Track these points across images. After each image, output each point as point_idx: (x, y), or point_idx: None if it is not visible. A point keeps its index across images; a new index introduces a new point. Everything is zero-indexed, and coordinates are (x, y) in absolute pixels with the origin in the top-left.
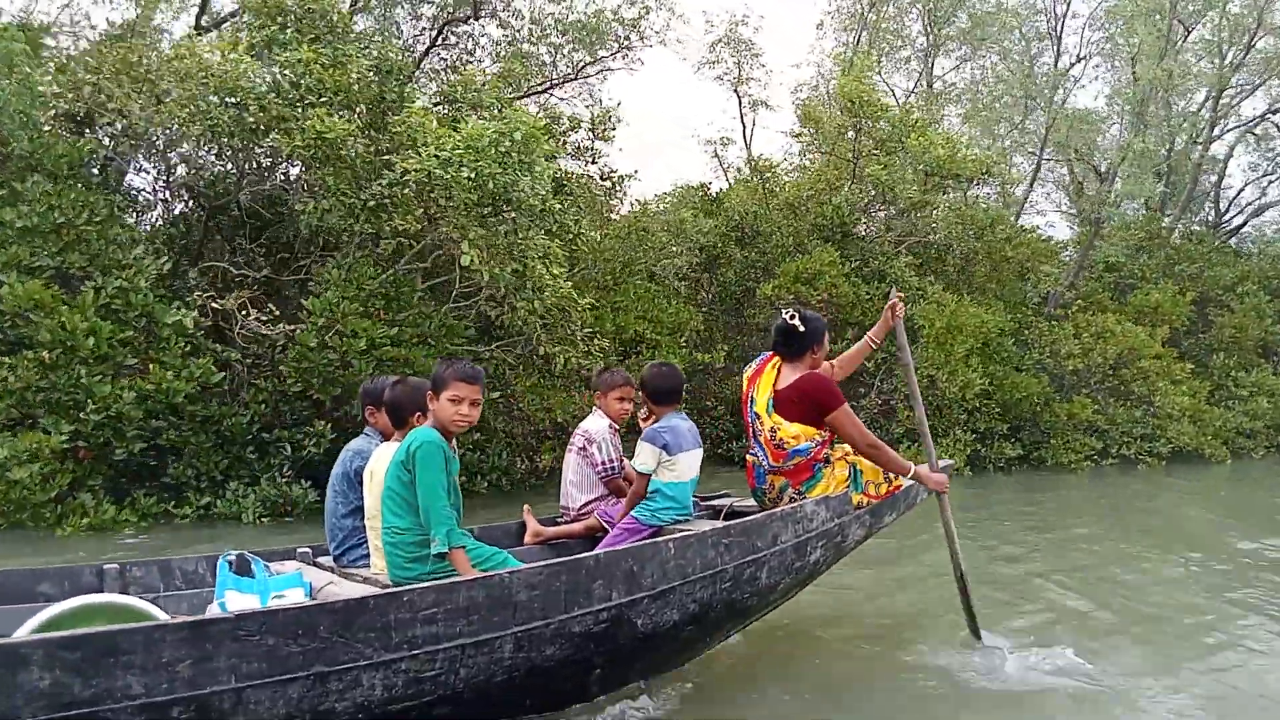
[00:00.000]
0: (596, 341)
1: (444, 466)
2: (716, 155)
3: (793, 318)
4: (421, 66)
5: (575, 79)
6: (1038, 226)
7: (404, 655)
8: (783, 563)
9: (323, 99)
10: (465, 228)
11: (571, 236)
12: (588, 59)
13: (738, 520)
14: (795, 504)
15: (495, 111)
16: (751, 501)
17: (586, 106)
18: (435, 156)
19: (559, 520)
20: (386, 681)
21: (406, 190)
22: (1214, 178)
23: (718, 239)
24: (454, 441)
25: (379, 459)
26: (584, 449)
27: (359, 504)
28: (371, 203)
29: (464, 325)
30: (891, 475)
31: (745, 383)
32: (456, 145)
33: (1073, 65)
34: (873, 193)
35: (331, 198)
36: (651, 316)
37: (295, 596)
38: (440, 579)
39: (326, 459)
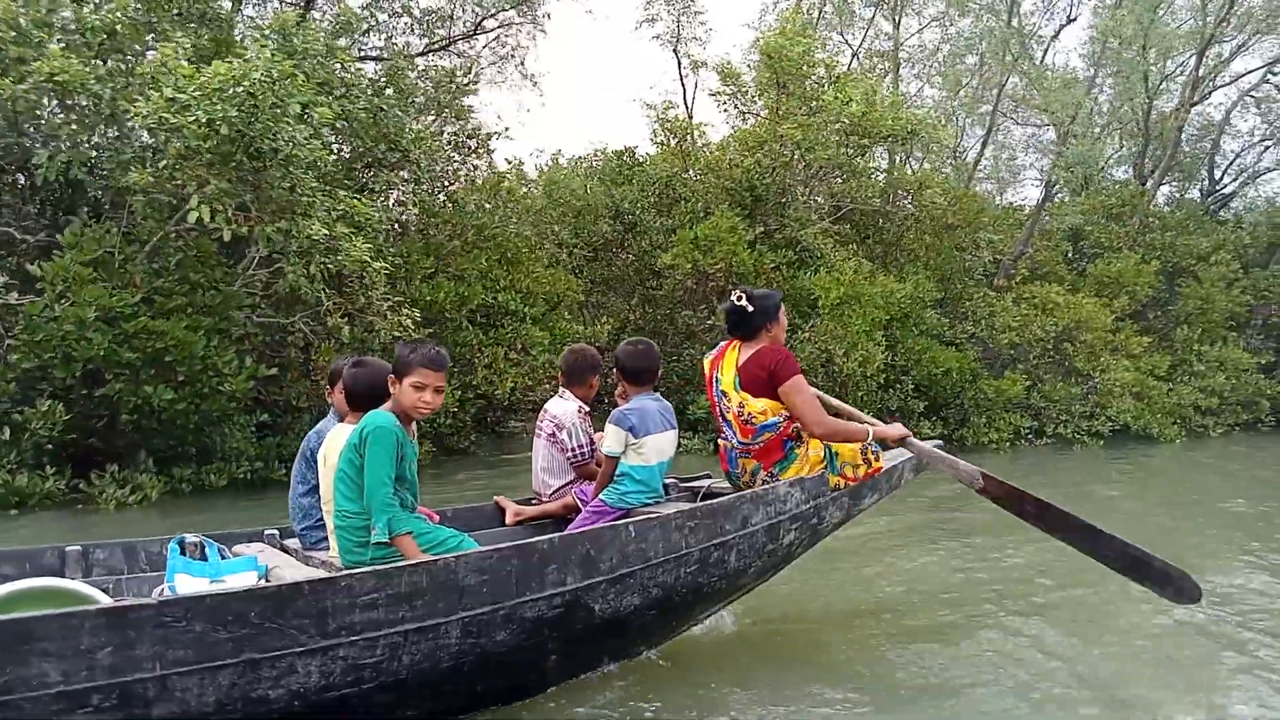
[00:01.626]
0: (406, 312)
1: (394, 454)
2: (660, 120)
3: (740, 298)
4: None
5: (476, 34)
6: (990, 193)
7: (341, 642)
8: (753, 545)
9: (68, 39)
10: (204, 179)
11: (389, 197)
12: (486, 12)
13: (704, 503)
14: (767, 486)
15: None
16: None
17: (507, 67)
18: (170, 100)
19: (534, 501)
20: (323, 668)
21: (139, 139)
22: (1209, 143)
23: (632, 207)
24: (413, 426)
25: (332, 441)
26: (553, 435)
27: (316, 484)
28: (101, 153)
29: (244, 293)
30: (871, 457)
31: (707, 367)
32: (195, 87)
33: (1063, 28)
34: (791, 155)
35: (70, 148)
36: (522, 287)
37: (247, 580)
38: (388, 564)
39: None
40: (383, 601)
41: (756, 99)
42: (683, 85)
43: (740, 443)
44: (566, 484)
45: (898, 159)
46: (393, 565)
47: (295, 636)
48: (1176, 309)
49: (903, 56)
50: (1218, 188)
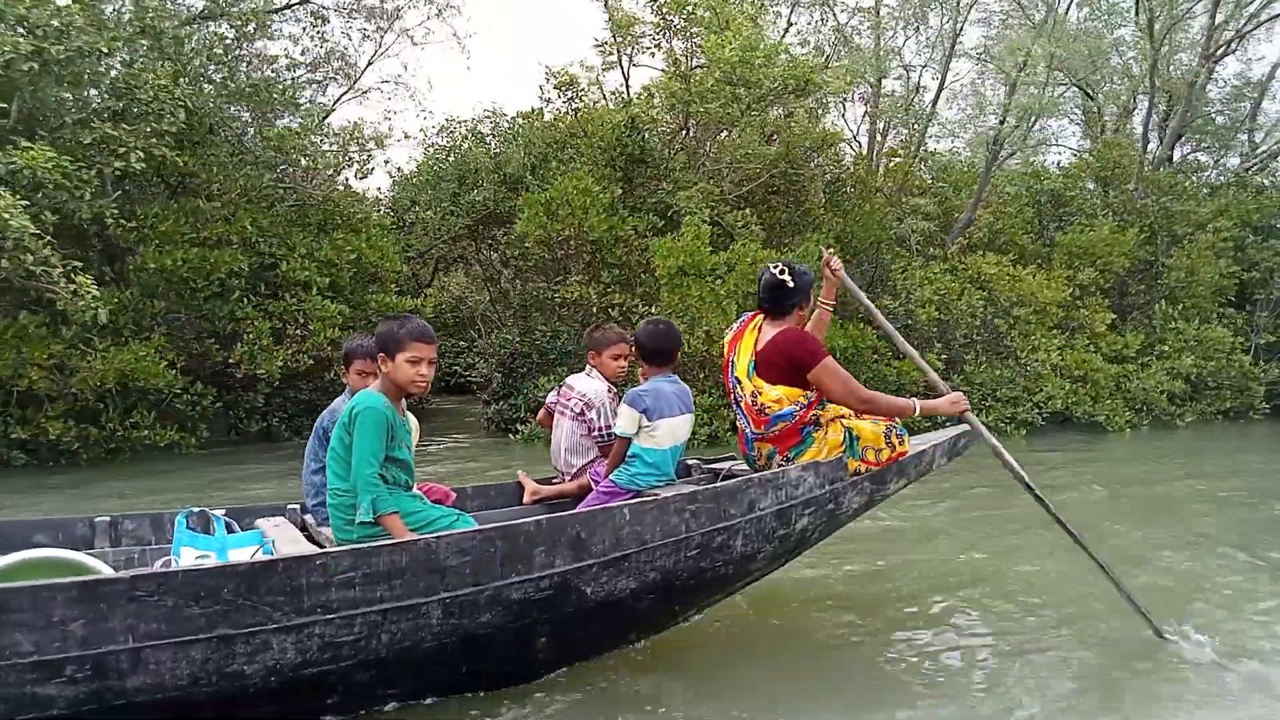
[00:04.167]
0: (81, 279)
1: (382, 434)
2: (550, 77)
3: (781, 272)
4: None
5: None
6: (936, 153)
7: (317, 619)
8: (761, 530)
9: None
10: None
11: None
12: None
13: (706, 486)
14: (777, 469)
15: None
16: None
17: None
18: None
19: (554, 480)
20: (299, 645)
21: None
22: (1249, 104)
23: (519, 171)
24: (402, 404)
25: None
26: (582, 414)
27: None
28: None
29: None
30: (895, 440)
31: (725, 346)
32: None
33: None
34: (671, 112)
35: None
36: (323, 256)
37: (246, 555)
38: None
39: None
40: (360, 580)
41: (652, 51)
42: (617, 50)
43: (754, 433)
44: (589, 462)
45: (819, 115)
46: (371, 544)
47: (269, 613)
48: (1161, 282)
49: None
50: (1259, 152)
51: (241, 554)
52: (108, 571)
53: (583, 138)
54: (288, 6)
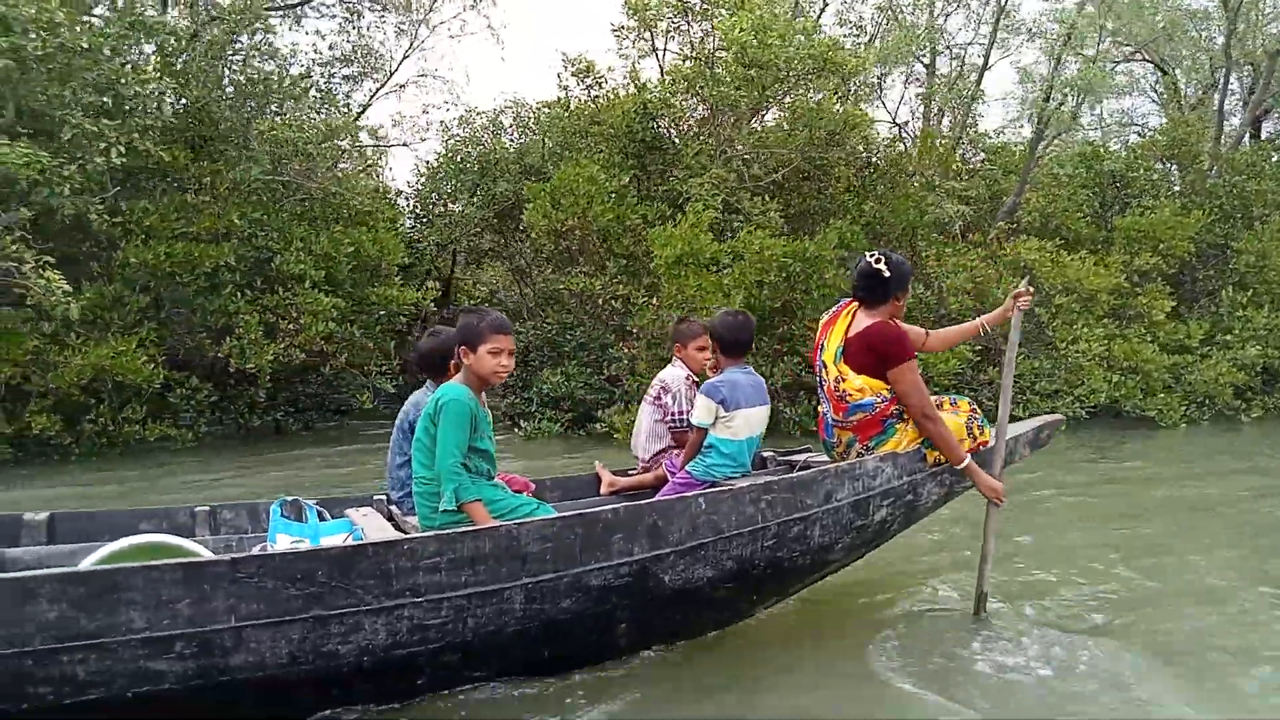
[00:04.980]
0: (50, 275)
1: (465, 425)
2: (567, 64)
3: (877, 260)
4: None
5: None
6: (985, 135)
7: (406, 602)
8: (838, 521)
9: None
10: None
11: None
12: None
13: (782, 476)
14: (854, 460)
15: None
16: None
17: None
18: None
19: (630, 472)
20: (389, 627)
21: None
22: None
23: (541, 162)
24: (483, 396)
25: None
26: (658, 398)
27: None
28: None
29: None
30: (976, 431)
31: (818, 329)
32: None
33: None
34: (684, 96)
35: None
36: (320, 249)
37: (337, 541)
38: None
39: None
40: (445, 565)
41: (668, 35)
42: (635, 35)
43: (833, 419)
44: (664, 449)
45: (857, 97)
46: (455, 530)
47: (361, 596)
48: (1231, 267)
49: None
50: None
51: (333, 540)
52: (208, 556)
53: (598, 126)
54: (305, 2)
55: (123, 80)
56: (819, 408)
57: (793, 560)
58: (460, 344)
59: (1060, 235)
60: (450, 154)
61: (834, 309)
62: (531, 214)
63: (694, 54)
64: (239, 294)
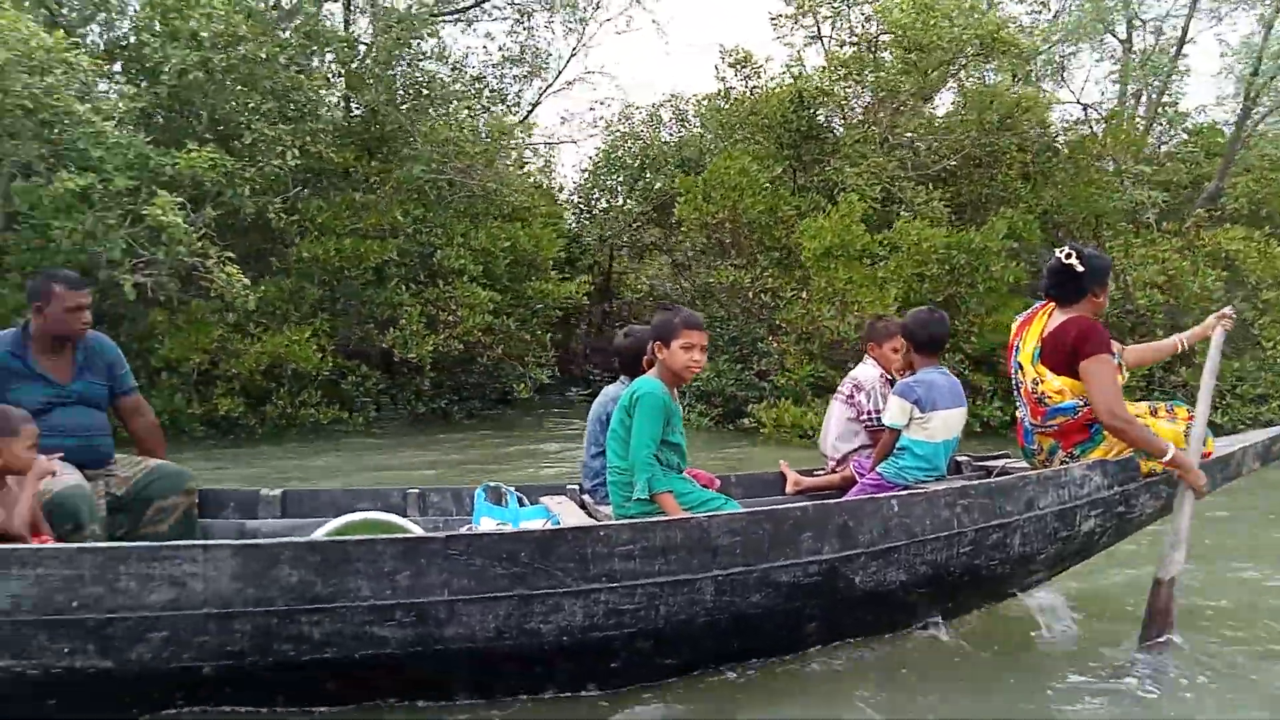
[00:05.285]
0: (230, 270)
1: (659, 417)
2: (724, 56)
3: (1069, 256)
4: None
5: None
6: (1189, 113)
7: (602, 587)
8: (1041, 530)
9: None
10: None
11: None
12: None
13: (980, 481)
14: (1060, 467)
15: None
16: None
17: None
18: None
19: (817, 472)
20: (587, 609)
21: None
22: None
23: (700, 155)
24: (675, 391)
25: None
26: (851, 396)
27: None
28: None
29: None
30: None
31: (1012, 331)
32: None
33: None
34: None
35: None
36: (477, 245)
37: (536, 526)
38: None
39: None
40: (638, 553)
41: (831, 20)
42: (815, 23)
43: (1031, 423)
44: (855, 449)
45: (1034, 77)
46: (648, 520)
47: (560, 578)
48: None
49: None
50: None
51: (532, 524)
52: (419, 533)
53: (754, 117)
54: (476, 4)
55: (298, 88)
56: (1016, 412)
57: (991, 569)
58: (655, 339)
59: (1272, 223)
60: (610, 149)
61: (1029, 310)
62: (683, 208)
63: (855, 39)
64: (403, 287)
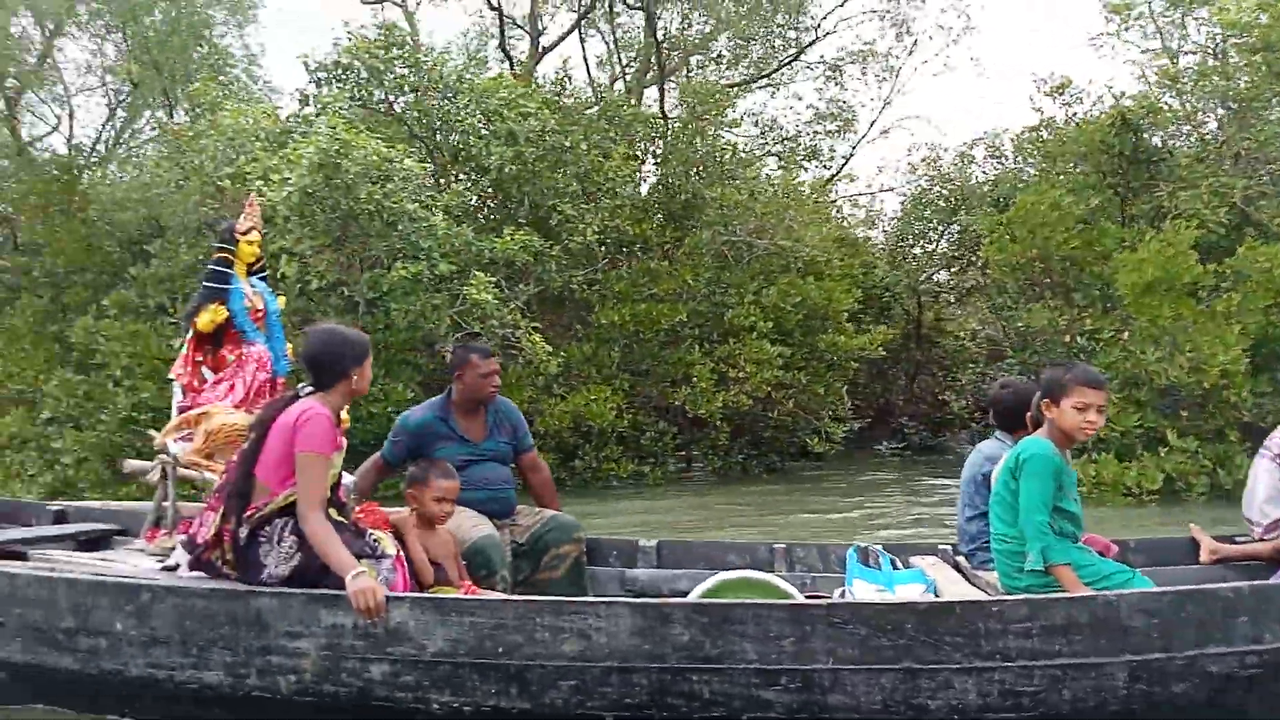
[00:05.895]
0: (535, 339)
1: (1050, 482)
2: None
3: None
4: None
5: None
6: None
7: (996, 665)
8: None
9: None
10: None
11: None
12: None
13: None
14: None
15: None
16: None
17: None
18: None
19: (1238, 539)
20: (980, 689)
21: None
22: None
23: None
24: (1068, 454)
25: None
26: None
27: (984, 509)
28: None
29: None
30: None
31: None
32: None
33: None
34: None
35: None
36: (769, 302)
37: (914, 592)
38: (1044, 593)
39: None
40: (1037, 631)
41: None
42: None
43: None
44: None
45: None
46: (1048, 596)
47: (950, 653)
48: None
49: None
50: None
51: (908, 589)
52: (797, 596)
53: (1072, 145)
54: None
55: (598, 170)
56: None
57: None
58: (1043, 397)
59: None
60: (920, 194)
61: None
62: (989, 248)
63: (1191, 49)
64: (695, 346)
